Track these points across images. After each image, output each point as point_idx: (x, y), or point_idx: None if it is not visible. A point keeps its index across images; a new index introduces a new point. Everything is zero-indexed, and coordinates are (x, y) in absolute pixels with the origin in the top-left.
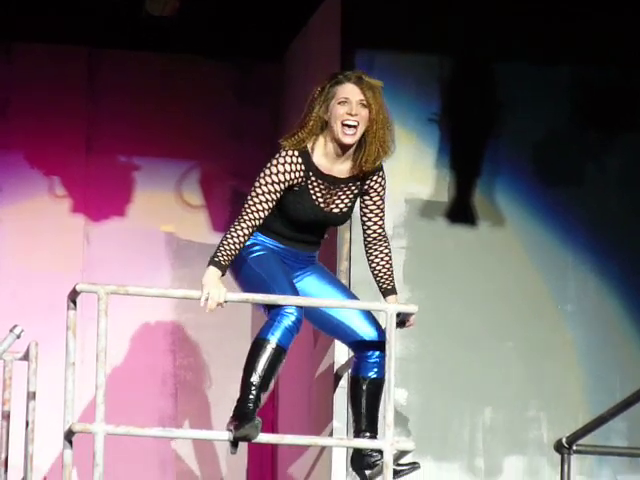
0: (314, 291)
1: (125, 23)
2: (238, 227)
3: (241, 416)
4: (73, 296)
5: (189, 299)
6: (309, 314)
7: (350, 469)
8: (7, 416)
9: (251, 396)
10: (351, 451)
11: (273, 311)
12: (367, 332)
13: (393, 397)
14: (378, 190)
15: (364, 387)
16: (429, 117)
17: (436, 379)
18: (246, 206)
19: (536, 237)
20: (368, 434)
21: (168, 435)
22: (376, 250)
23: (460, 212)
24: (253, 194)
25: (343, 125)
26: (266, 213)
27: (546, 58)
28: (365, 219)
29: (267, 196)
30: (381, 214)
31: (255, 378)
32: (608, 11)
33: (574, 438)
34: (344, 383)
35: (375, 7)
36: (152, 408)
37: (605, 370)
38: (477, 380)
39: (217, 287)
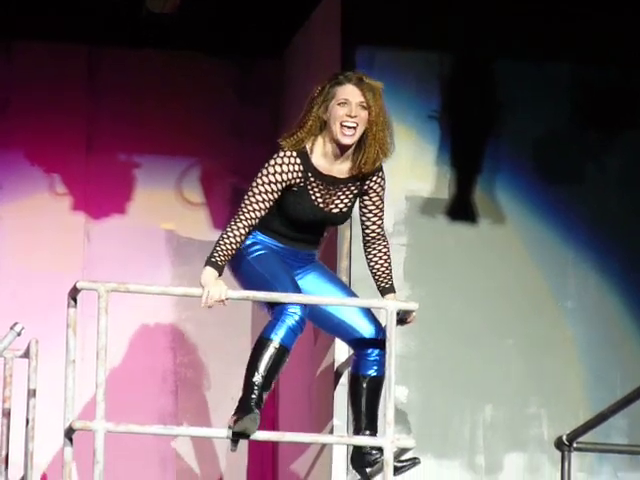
0: (314, 289)
1: (125, 20)
2: (234, 227)
3: (241, 413)
4: (73, 294)
5: (189, 297)
6: (309, 312)
7: (350, 467)
8: (7, 414)
9: (253, 395)
10: (351, 449)
11: (277, 310)
12: (367, 330)
13: (394, 395)
14: (377, 190)
15: (364, 385)
16: (429, 114)
17: (436, 376)
18: (243, 206)
19: (536, 234)
20: (368, 432)
21: (168, 433)
22: (375, 249)
23: (460, 209)
24: (250, 194)
25: (342, 126)
26: (263, 213)
27: (546, 58)
28: (364, 219)
29: (264, 196)
30: (380, 214)
31: (257, 378)
32: (608, 11)
33: (574, 435)
34: (345, 381)
35: (375, 4)
36: (152, 406)
37: (605, 367)
38: (477, 377)
39: (217, 285)
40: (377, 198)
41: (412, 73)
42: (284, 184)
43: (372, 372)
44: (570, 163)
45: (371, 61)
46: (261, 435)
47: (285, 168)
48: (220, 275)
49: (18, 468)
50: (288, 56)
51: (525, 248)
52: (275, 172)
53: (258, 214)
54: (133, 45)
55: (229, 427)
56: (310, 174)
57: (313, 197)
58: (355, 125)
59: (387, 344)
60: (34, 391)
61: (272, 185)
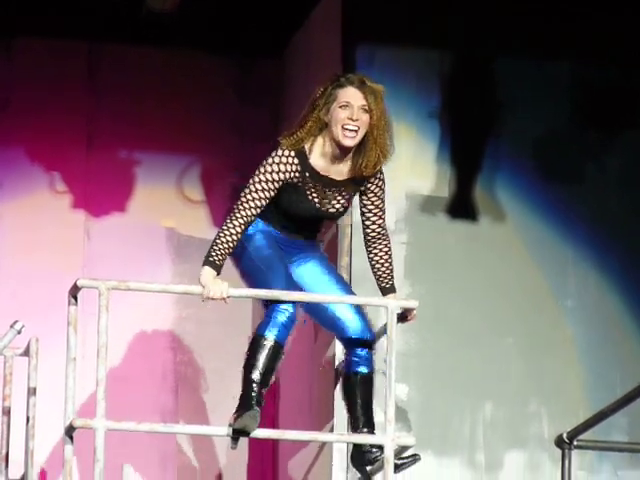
0: (310, 279)
1: (125, 19)
2: (230, 225)
3: (241, 410)
4: (74, 291)
5: (190, 294)
6: (306, 304)
7: (350, 465)
8: (8, 412)
9: (253, 393)
10: (351, 447)
11: (270, 306)
12: (356, 328)
13: (394, 392)
14: (377, 192)
15: (355, 383)
16: (429, 112)
17: (437, 374)
18: (239, 202)
19: (537, 233)
20: (366, 430)
21: (169, 431)
22: (375, 248)
23: (461, 208)
24: (247, 191)
25: (344, 129)
26: (259, 210)
27: (546, 57)
28: (364, 218)
29: (260, 194)
30: (380, 213)
31: (256, 375)
32: (608, 11)
33: (575, 433)
34: None
35: (375, 3)
36: (153, 403)
37: (605, 365)
38: (477, 375)
39: (217, 284)
40: (376, 199)
41: (412, 72)
42: (281, 182)
43: (362, 369)
44: (570, 163)
45: (371, 60)
46: (261, 433)
47: (282, 167)
48: (219, 274)
49: (18, 466)
50: (288, 56)
51: (525, 247)
52: (272, 171)
53: (254, 211)
54: (133, 43)
55: (229, 425)
56: (307, 174)
57: (310, 197)
58: (357, 128)
59: (387, 342)
60: (34, 389)
61: (269, 183)
